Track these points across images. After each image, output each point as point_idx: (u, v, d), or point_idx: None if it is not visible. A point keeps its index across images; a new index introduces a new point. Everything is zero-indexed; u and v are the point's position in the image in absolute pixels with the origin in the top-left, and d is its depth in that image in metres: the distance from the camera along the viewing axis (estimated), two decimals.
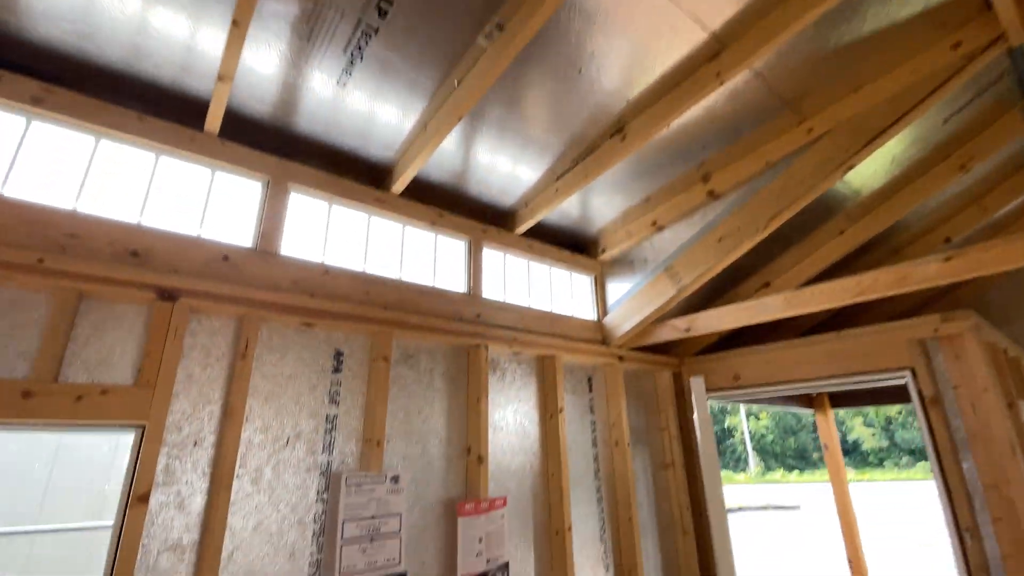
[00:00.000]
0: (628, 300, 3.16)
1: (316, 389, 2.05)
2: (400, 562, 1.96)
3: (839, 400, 5.52)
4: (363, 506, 1.93)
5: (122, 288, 1.64)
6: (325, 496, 1.94)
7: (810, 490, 17.76)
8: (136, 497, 1.52)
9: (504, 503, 2.35)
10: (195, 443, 1.74)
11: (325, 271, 2.16)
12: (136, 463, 1.55)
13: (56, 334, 1.52)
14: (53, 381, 1.49)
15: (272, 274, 2.01)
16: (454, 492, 2.30)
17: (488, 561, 2.20)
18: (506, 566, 2.26)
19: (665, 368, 3.49)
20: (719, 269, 2.82)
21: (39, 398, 1.45)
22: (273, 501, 1.83)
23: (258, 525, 1.78)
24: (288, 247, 2.14)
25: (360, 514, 1.92)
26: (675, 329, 3.14)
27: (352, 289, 2.22)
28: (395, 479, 2.05)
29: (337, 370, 2.13)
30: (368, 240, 2.41)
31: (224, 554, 1.69)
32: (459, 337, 2.44)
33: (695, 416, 3.16)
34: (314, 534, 1.88)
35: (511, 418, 2.64)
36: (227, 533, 1.72)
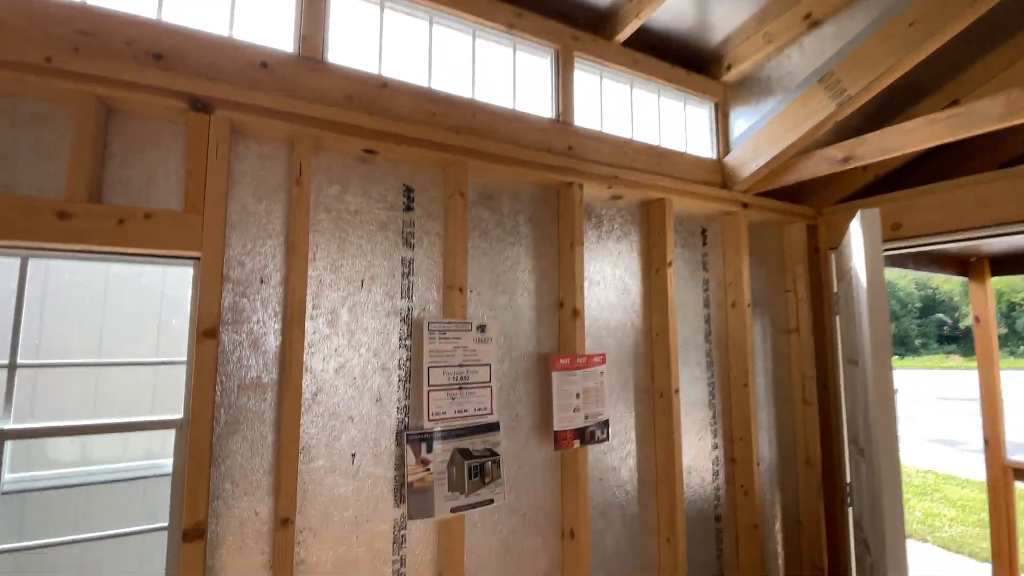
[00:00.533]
0: (760, 130, 2.48)
1: (387, 229, 1.77)
2: (491, 412, 1.78)
3: (1004, 266, 4.51)
4: (449, 354, 1.72)
5: (149, 96, 1.36)
6: (408, 343, 1.75)
7: (907, 375, 16.76)
8: (202, 333, 1.37)
9: (603, 360, 2.07)
10: (261, 280, 1.56)
11: (383, 84, 1.76)
12: (197, 298, 1.39)
13: (85, 149, 1.30)
14: (90, 202, 1.30)
15: (320, 85, 1.65)
16: (546, 347, 2.04)
17: (587, 417, 1.98)
18: (606, 424, 2.05)
19: (797, 219, 2.85)
20: (903, 69, 2.02)
21: (78, 220, 1.27)
22: (353, 345, 1.66)
23: (340, 368, 1.64)
24: (336, 54, 1.73)
25: (446, 361, 1.71)
26: (827, 161, 2.44)
27: (415, 109, 1.82)
28: (482, 328, 1.81)
29: (408, 208, 1.82)
30: (431, 50, 1.93)
31: (307, 394, 1.58)
32: (547, 172, 2.00)
33: (858, 264, 2.58)
34: (400, 380, 1.72)
35: (609, 272, 2.26)
36: (307, 375, 1.59)
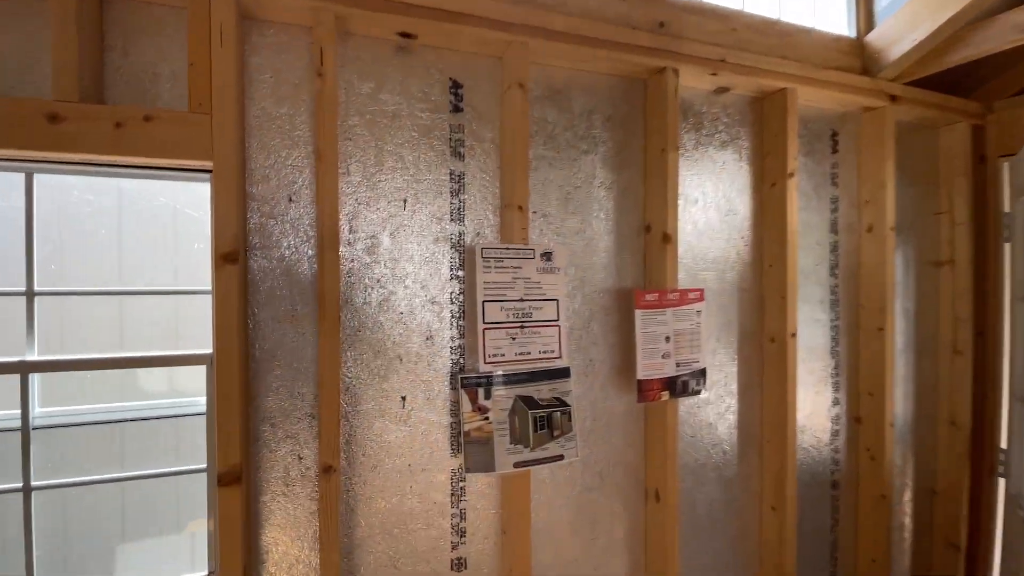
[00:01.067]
0: None
1: (432, 135, 1.46)
2: (560, 355, 1.49)
3: None
4: (507, 286, 1.43)
5: None
6: (460, 274, 1.47)
7: None
8: (221, 257, 1.18)
9: (700, 297, 1.68)
10: (289, 199, 1.33)
11: None
12: (213, 218, 1.18)
13: (69, 39, 1.10)
14: (83, 102, 1.11)
15: None
16: (628, 280, 1.69)
17: (678, 365, 1.63)
18: (702, 373, 1.69)
19: (959, 118, 2.16)
20: None
21: (70, 123, 1.08)
22: (397, 275, 1.42)
23: (383, 301, 1.41)
24: None
25: (504, 295, 1.42)
26: (1016, 29, 1.76)
27: None
28: (547, 256, 1.49)
29: (456, 108, 1.48)
30: None
31: (347, 330, 1.37)
32: (631, 55, 1.56)
33: None
34: (452, 316, 1.47)
35: (710, 187, 1.81)
36: (347, 308, 1.37)
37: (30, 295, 1.18)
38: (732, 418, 1.87)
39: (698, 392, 1.69)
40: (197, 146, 1.17)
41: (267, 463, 1.32)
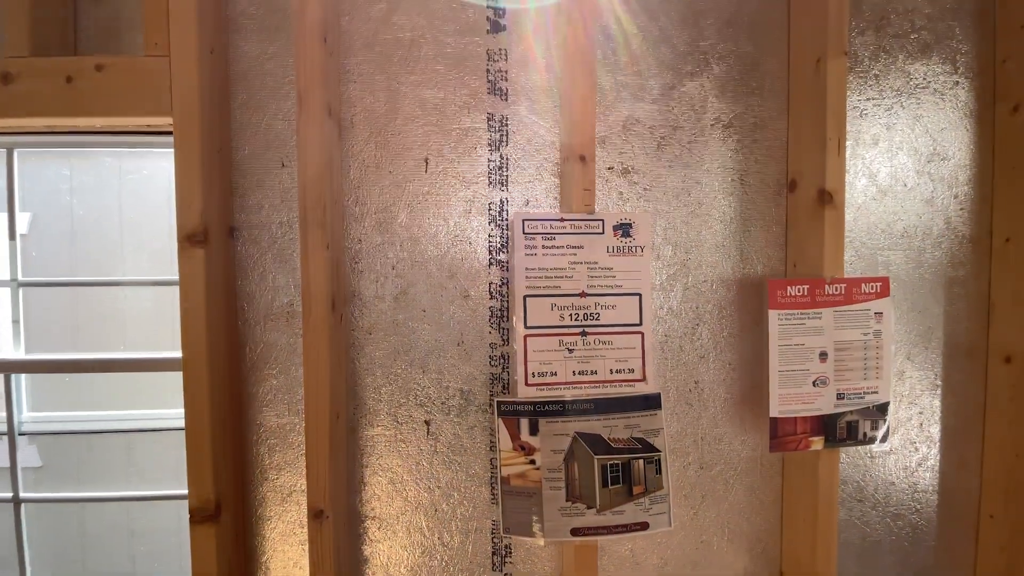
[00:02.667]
0: None
1: (463, 67, 1.06)
2: (644, 377, 1.01)
3: None
4: (562, 274, 0.99)
5: None
6: (503, 258, 1.07)
7: None
8: (184, 238, 0.93)
9: (883, 290, 1.06)
10: (282, 163, 1.05)
11: None
12: (176, 188, 0.93)
13: None
14: (33, 55, 0.92)
15: None
16: (759, 265, 1.13)
17: (840, 397, 1.05)
18: (881, 410, 1.07)
19: None
20: None
21: (21, 82, 0.90)
22: (417, 259, 1.07)
23: (401, 294, 1.07)
24: None
25: (558, 287, 0.99)
26: None
27: None
28: (624, 230, 1.01)
29: (497, 27, 1.07)
30: None
31: (359, 330, 1.06)
32: None
33: None
34: (493, 315, 1.08)
35: (898, 119, 1.15)
36: (355, 302, 1.06)
37: (15, 284, 1.05)
38: (929, 478, 1.22)
39: (874, 438, 1.08)
40: (154, 100, 0.92)
41: (266, 495, 1.07)
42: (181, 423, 0.95)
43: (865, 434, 1.06)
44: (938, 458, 1.22)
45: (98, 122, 0.94)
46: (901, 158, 1.15)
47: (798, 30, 1.08)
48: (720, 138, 1.12)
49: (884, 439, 1.07)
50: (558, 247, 0.98)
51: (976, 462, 1.22)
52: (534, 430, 0.99)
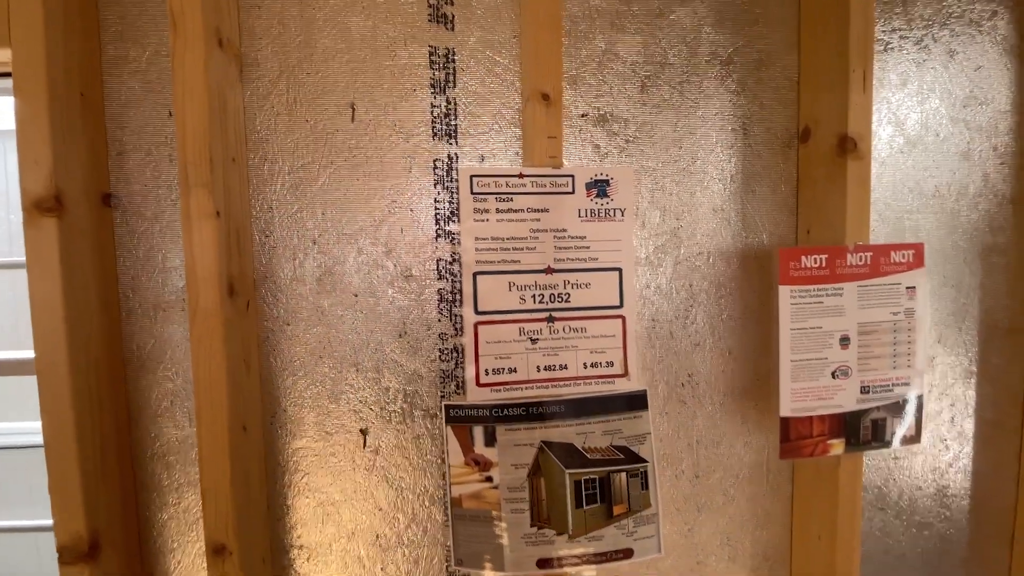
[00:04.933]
0: None
1: None
2: (626, 371, 0.82)
3: None
4: (522, 244, 0.79)
5: None
6: (452, 227, 0.86)
7: None
8: (31, 205, 0.72)
9: (916, 259, 0.87)
10: (169, 112, 0.83)
11: None
12: (19, 142, 0.72)
13: None
14: None
15: None
16: (765, 233, 0.94)
17: (865, 390, 0.86)
18: (915, 407, 0.89)
19: None
20: None
21: None
22: (345, 230, 0.86)
23: (325, 275, 0.86)
24: None
25: (517, 261, 0.79)
26: None
27: None
28: (599, 188, 0.81)
29: None
30: None
31: (274, 321, 0.86)
32: None
33: None
34: (442, 299, 0.87)
35: (929, 58, 0.96)
36: (265, 286, 0.85)
37: None
38: (961, 480, 1.04)
39: (909, 439, 0.89)
40: None
41: (165, 523, 0.87)
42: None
43: (898, 434, 0.88)
44: (971, 457, 1.04)
45: None
46: (932, 102, 0.95)
47: None
48: (717, 77, 0.91)
49: (918, 438, 0.89)
50: (516, 211, 0.78)
51: (1015, 461, 1.05)
52: (490, 440, 0.79)
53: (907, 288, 0.86)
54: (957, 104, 0.97)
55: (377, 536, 0.90)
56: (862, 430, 0.87)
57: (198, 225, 0.73)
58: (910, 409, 0.88)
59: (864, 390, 0.86)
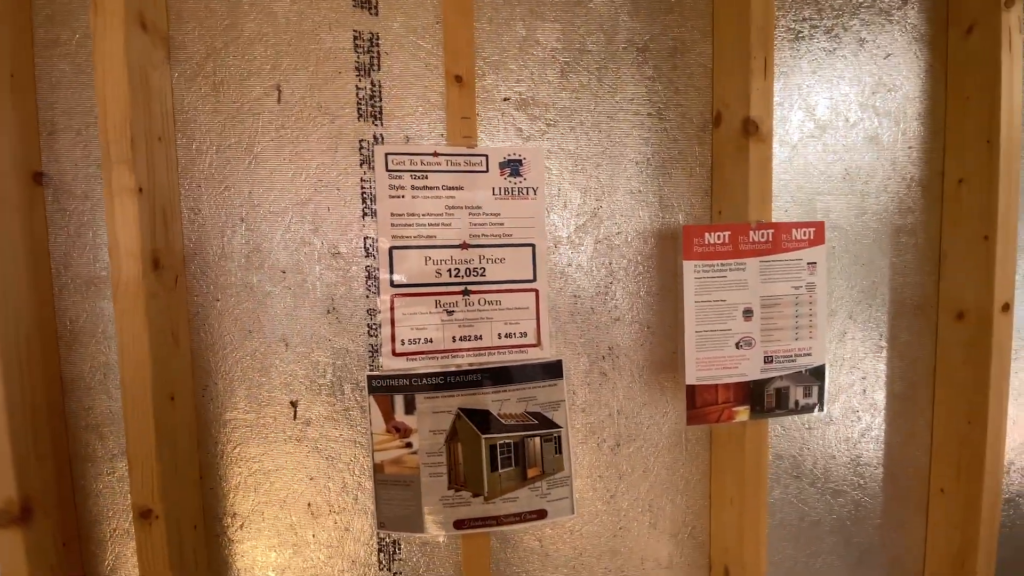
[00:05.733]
0: None
1: None
2: (538, 341, 0.86)
3: None
4: (438, 220, 0.83)
5: None
6: (376, 207, 0.90)
7: None
8: None
9: (817, 236, 0.92)
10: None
11: None
12: None
13: None
14: None
15: None
16: (682, 213, 0.98)
17: (768, 359, 0.91)
18: (817, 374, 0.94)
19: None
20: None
21: None
22: (272, 208, 0.89)
23: (254, 251, 0.89)
24: None
25: (433, 237, 0.83)
26: None
27: None
28: (513, 167, 0.85)
29: None
30: None
31: (203, 297, 0.89)
32: None
33: None
34: (369, 275, 0.91)
35: (840, 46, 1.00)
36: (194, 260, 0.88)
37: None
38: (874, 449, 1.10)
39: (809, 408, 0.95)
40: None
41: (100, 490, 0.90)
42: None
43: (797, 402, 0.93)
44: (883, 428, 1.10)
45: None
46: (843, 88, 1.00)
47: None
48: (634, 63, 0.95)
49: (820, 407, 0.94)
50: (431, 188, 0.82)
51: (926, 431, 1.11)
52: (410, 408, 0.84)
53: (808, 263, 0.91)
54: (867, 91, 1.02)
55: (308, 504, 0.94)
56: (766, 398, 0.92)
57: (120, 200, 0.76)
58: (812, 379, 0.93)
59: (768, 360, 0.91)
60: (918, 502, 1.13)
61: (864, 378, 1.08)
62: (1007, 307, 0.97)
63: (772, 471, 1.05)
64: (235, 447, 0.92)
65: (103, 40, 0.75)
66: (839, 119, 1.01)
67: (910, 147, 1.04)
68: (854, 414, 1.08)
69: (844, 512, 1.10)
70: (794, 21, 0.98)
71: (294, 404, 0.92)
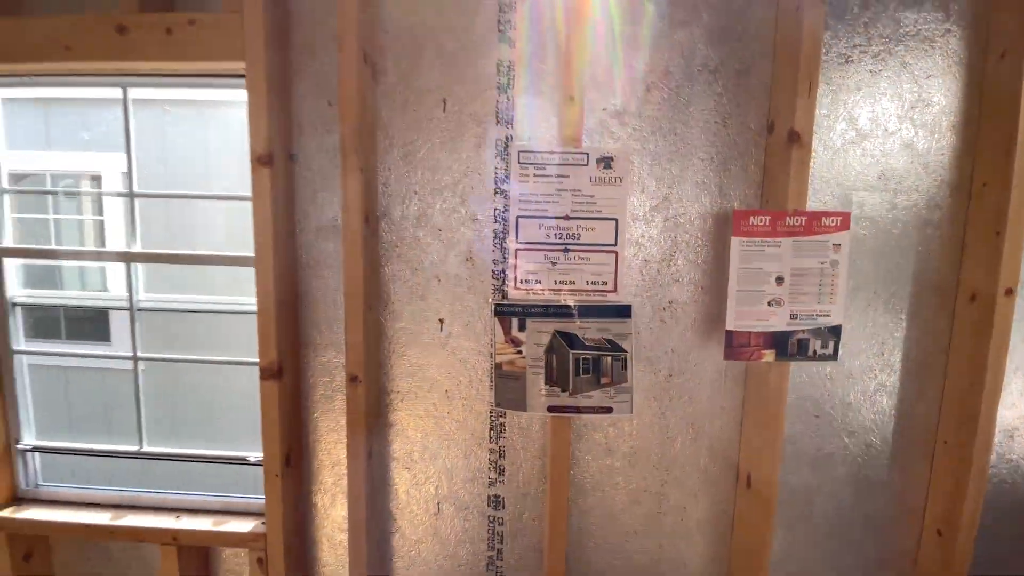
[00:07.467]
0: None
1: (474, 19, 1.24)
2: (615, 289, 1.20)
3: None
4: (549, 199, 1.18)
5: None
6: (506, 187, 1.27)
7: None
8: (255, 159, 1.19)
9: (843, 223, 1.17)
10: (329, 103, 1.28)
11: None
12: (249, 118, 1.19)
13: None
14: (142, 12, 1.18)
15: None
16: (738, 202, 1.26)
17: (793, 317, 1.19)
18: (833, 332, 1.21)
19: None
20: None
21: (132, 33, 1.17)
22: (435, 186, 1.29)
23: (421, 216, 1.30)
24: None
25: (545, 210, 1.18)
26: None
27: None
28: (606, 163, 1.18)
29: None
30: None
31: (384, 244, 1.31)
32: None
33: None
34: (496, 235, 1.29)
35: (885, 66, 1.22)
36: (384, 221, 1.30)
37: (131, 196, 1.37)
38: (886, 402, 1.34)
39: (825, 357, 1.22)
40: (230, 46, 1.17)
41: (315, 366, 1.38)
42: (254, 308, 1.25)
43: (815, 351, 1.21)
44: (897, 386, 1.34)
45: (190, 66, 1.20)
46: (884, 104, 1.22)
47: None
48: (706, 81, 1.24)
49: (834, 357, 1.22)
50: (547, 176, 1.17)
51: (937, 393, 1.34)
52: (522, 327, 1.22)
53: (834, 245, 1.17)
54: (906, 105, 1.23)
55: (446, 390, 1.36)
56: (789, 346, 1.20)
57: (350, 176, 1.18)
58: (830, 335, 1.20)
59: (793, 316, 1.20)
60: (925, 450, 1.36)
61: (882, 344, 1.32)
62: (1010, 291, 1.17)
63: (796, 410, 1.33)
64: (401, 346, 1.35)
65: (344, 71, 1.16)
66: (879, 129, 1.23)
67: (942, 154, 1.24)
68: (868, 372, 1.33)
69: (856, 450, 1.36)
70: (846, 47, 1.21)
71: (441, 321, 1.34)
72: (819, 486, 1.38)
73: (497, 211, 1.28)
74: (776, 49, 1.20)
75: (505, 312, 1.22)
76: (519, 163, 1.17)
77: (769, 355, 1.21)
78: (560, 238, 1.18)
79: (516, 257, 1.19)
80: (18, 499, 1.42)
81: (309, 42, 1.27)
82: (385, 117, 1.28)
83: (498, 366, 1.25)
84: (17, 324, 1.43)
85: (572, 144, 1.17)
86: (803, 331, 1.20)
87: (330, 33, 1.25)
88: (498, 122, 1.26)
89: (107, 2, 1.23)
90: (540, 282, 1.20)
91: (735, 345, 1.20)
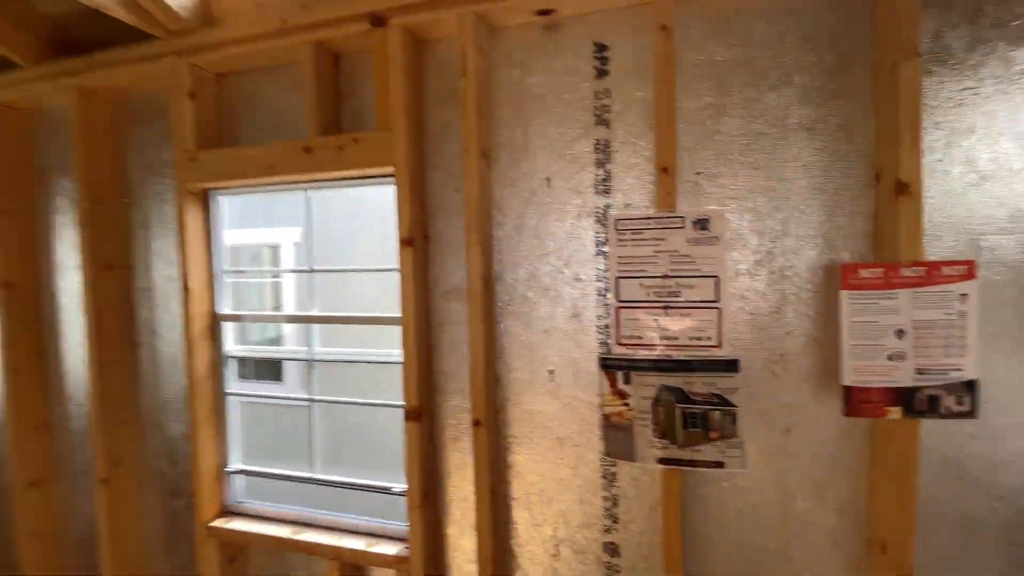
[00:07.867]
0: None
1: (575, 107, 1.42)
2: (719, 344, 1.25)
3: None
4: (648, 260, 1.29)
5: (338, 27, 1.49)
6: (606, 249, 1.41)
7: None
8: (401, 241, 1.48)
9: (969, 272, 1.12)
10: (455, 189, 1.54)
11: None
12: (396, 210, 1.48)
13: (314, 93, 1.55)
14: (321, 135, 1.56)
15: None
16: (847, 253, 1.26)
17: (919, 372, 1.14)
18: (968, 387, 1.13)
19: None
20: None
21: (315, 152, 1.54)
22: (541, 251, 1.46)
23: (530, 277, 1.48)
24: None
25: (644, 271, 1.29)
26: None
27: None
28: (702, 224, 1.26)
29: (601, 73, 1.40)
30: None
31: (500, 303, 1.51)
32: None
33: None
34: (599, 294, 1.42)
35: (998, 107, 1.16)
36: (498, 282, 1.51)
37: (311, 271, 1.74)
38: None
39: (963, 415, 1.14)
40: (383, 156, 1.48)
41: (444, 411, 1.59)
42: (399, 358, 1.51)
43: (949, 408, 1.13)
44: None
45: (354, 172, 1.55)
46: (1004, 144, 1.15)
47: (877, 37, 1.19)
48: (804, 138, 1.27)
49: (972, 414, 1.13)
50: (643, 240, 1.28)
51: None
52: (628, 380, 1.31)
53: (960, 295, 1.11)
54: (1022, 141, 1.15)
55: (557, 437, 1.49)
56: (917, 402, 1.14)
57: (473, 248, 1.41)
58: (965, 389, 1.12)
59: (920, 371, 1.14)
60: None
61: (1004, 385, 1.18)
62: None
63: (934, 470, 1.23)
64: (515, 394, 1.52)
65: (469, 164, 1.40)
66: (1002, 169, 1.16)
67: None
68: (1018, 429, 1.19)
69: (1004, 514, 1.21)
70: (954, 91, 1.18)
71: (551, 372, 1.48)
72: (965, 553, 1.24)
73: (599, 271, 1.42)
74: (875, 104, 1.21)
75: (611, 366, 1.33)
76: (617, 230, 1.30)
77: (895, 412, 1.16)
78: (660, 296, 1.28)
79: (619, 314, 1.31)
80: (227, 512, 1.81)
81: (439, 145, 1.55)
82: (498, 195, 1.50)
83: (606, 417, 1.35)
84: (230, 371, 1.87)
85: (667, 210, 1.28)
86: (933, 386, 1.14)
87: (455, 135, 1.52)
88: (597, 192, 1.41)
89: (298, 132, 1.64)
90: (642, 337, 1.29)
91: (855, 401, 1.18)
